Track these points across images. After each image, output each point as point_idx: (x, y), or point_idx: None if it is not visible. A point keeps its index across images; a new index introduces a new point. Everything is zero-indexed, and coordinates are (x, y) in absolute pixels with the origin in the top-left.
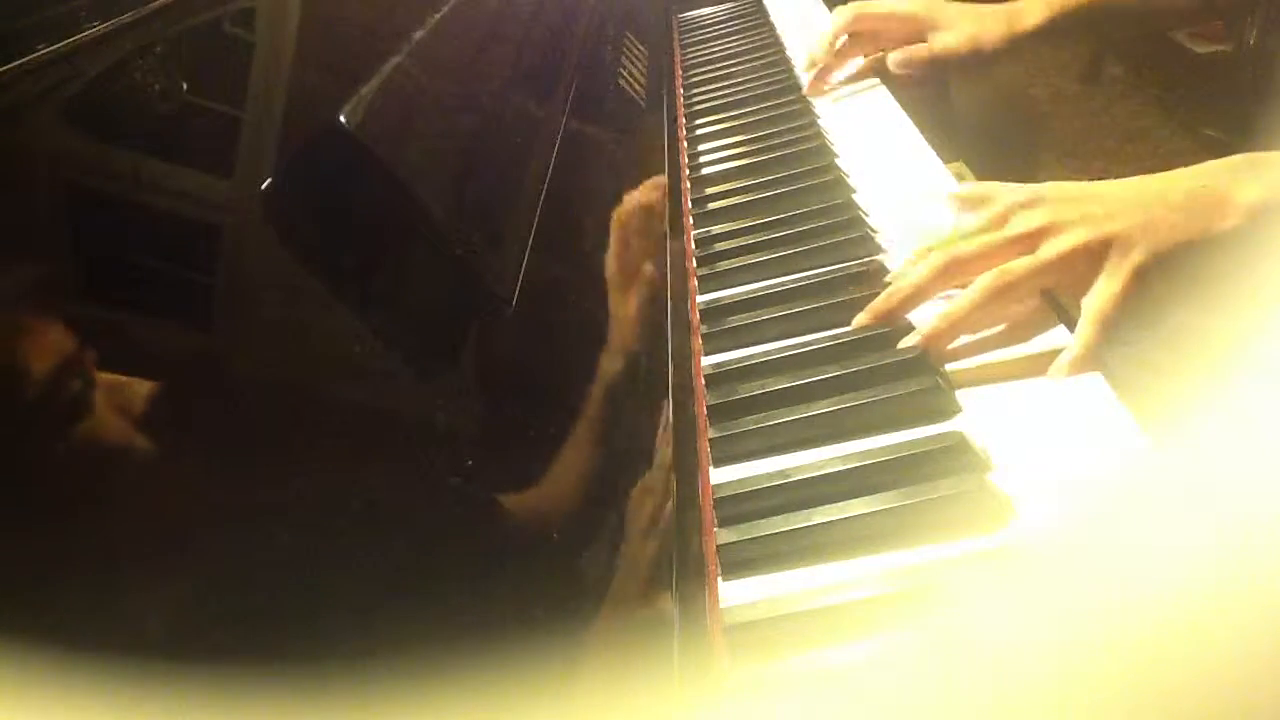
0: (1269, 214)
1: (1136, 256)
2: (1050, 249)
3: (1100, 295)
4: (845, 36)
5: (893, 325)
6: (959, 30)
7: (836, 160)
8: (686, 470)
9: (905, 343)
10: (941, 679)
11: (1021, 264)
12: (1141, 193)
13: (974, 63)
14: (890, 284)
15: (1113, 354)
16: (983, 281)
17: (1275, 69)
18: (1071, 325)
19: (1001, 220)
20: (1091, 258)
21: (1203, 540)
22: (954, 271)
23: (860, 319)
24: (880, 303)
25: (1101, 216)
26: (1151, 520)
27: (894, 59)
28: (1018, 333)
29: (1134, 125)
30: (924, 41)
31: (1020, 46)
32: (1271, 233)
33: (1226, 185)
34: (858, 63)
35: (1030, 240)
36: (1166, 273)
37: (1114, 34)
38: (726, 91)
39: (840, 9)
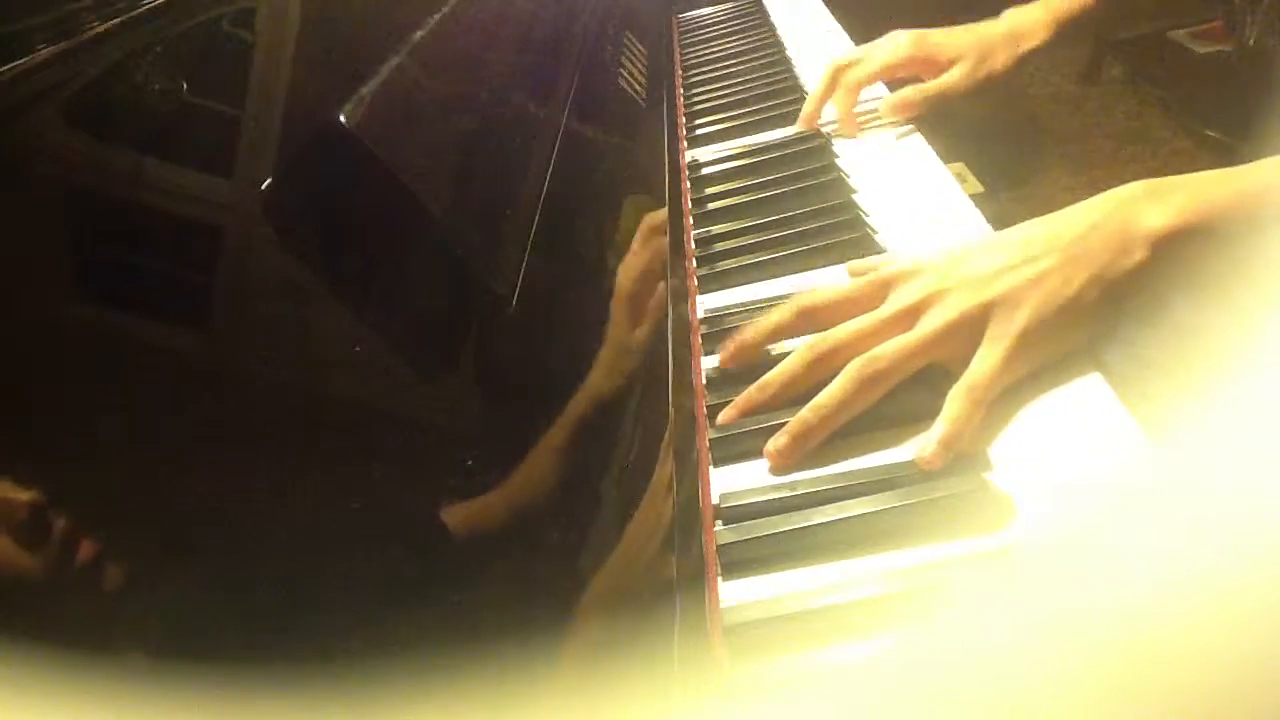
0: (1178, 242)
1: (1020, 321)
2: (928, 323)
3: (977, 369)
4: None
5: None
6: (965, 64)
7: (836, 160)
8: (686, 470)
9: (770, 446)
10: (941, 679)
11: (892, 347)
12: (1029, 244)
13: (983, 90)
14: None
15: (1113, 353)
16: (850, 371)
17: (1275, 69)
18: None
19: (882, 291)
20: (975, 325)
21: (1203, 541)
22: (823, 363)
23: (727, 415)
24: (744, 403)
25: (985, 278)
26: (1152, 520)
27: (888, 105)
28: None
29: (1134, 125)
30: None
31: (1025, 62)
32: (1182, 261)
33: (1124, 219)
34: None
35: (909, 315)
36: (1068, 329)
37: (1112, 34)
38: (726, 91)
39: (828, 70)
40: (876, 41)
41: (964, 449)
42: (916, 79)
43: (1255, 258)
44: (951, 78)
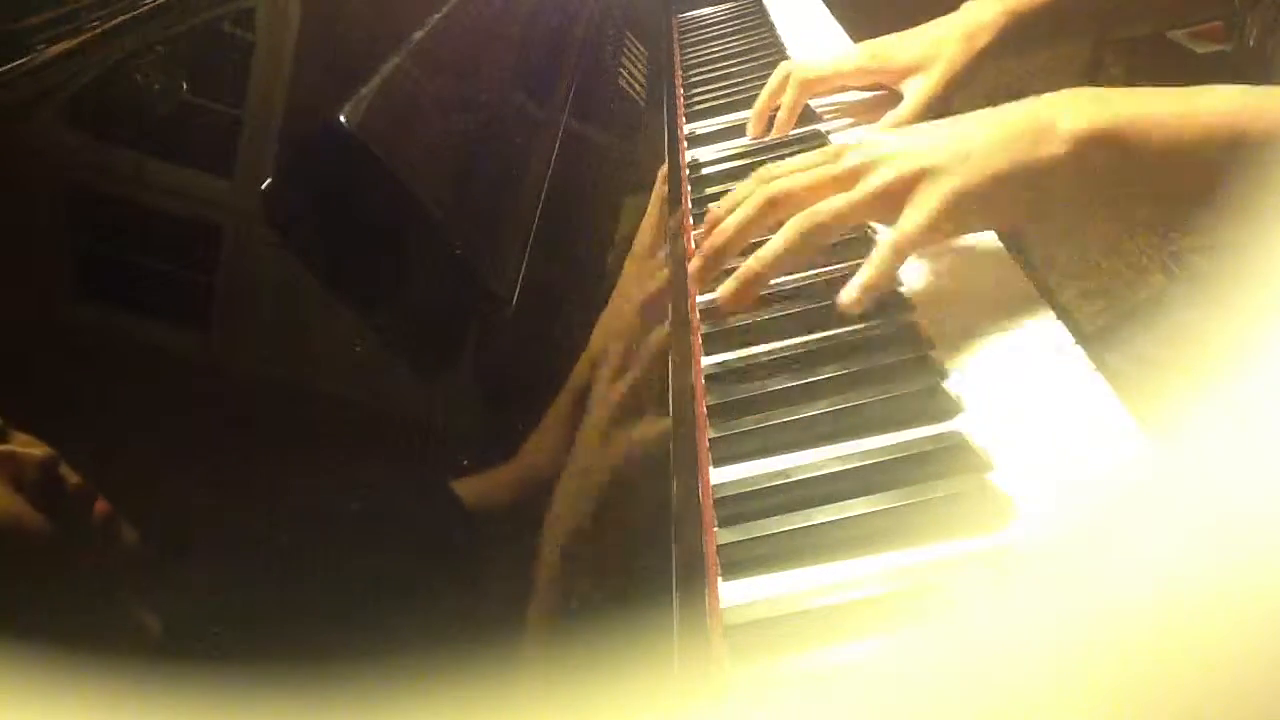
0: (1101, 145)
1: (944, 188)
2: (865, 185)
3: (903, 225)
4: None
5: (722, 267)
6: (924, 76)
7: None
8: (686, 470)
9: (720, 292)
10: (941, 679)
11: (831, 203)
12: (966, 128)
13: (951, 91)
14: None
15: (1112, 352)
16: (793, 224)
17: (1275, 69)
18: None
19: (834, 159)
20: (907, 188)
21: (1203, 540)
22: (775, 208)
23: (694, 264)
24: (707, 246)
25: (922, 151)
26: (1151, 520)
27: None
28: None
29: None
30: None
31: (984, 63)
32: (1105, 167)
33: (1052, 115)
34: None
35: (851, 176)
36: (987, 205)
37: (1079, 34)
38: (726, 91)
39: (780, 70)
40: (832, 52)
41: (880, 289)
42: (879, 88)
43: (1254, 261)
44: (919, 96)
